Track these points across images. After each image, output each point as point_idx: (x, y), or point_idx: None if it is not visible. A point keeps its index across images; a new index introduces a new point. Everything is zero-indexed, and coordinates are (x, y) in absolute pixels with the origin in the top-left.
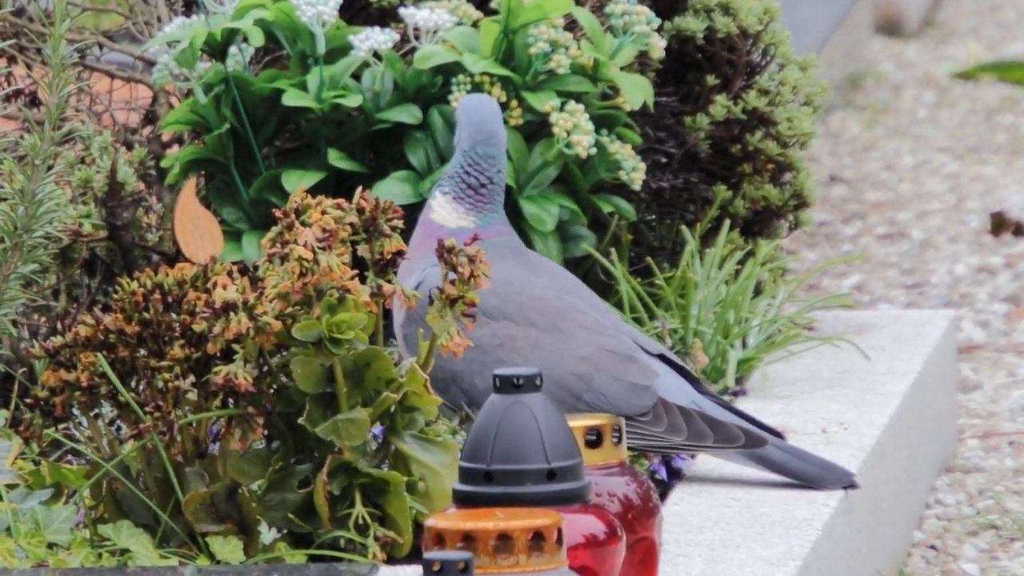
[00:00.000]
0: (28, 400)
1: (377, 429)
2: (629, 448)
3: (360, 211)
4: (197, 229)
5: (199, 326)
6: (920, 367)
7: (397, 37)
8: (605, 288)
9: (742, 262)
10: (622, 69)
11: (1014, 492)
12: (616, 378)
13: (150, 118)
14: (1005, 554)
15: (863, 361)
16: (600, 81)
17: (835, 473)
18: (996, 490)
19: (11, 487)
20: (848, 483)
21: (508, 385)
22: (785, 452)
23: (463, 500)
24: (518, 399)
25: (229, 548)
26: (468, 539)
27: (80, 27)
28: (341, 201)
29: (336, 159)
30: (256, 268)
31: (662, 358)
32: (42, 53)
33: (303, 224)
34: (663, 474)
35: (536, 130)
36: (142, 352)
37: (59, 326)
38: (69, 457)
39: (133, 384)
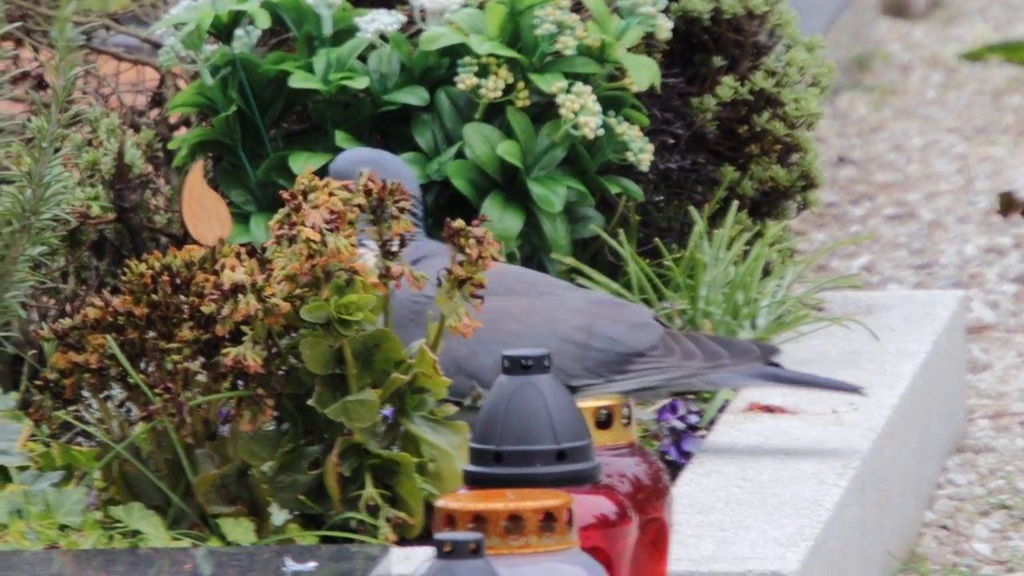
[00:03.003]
0: (38, 382)
1: (387, 410)
2: (651, 388)
3: (367, 193)
4: (205, 211)
5: (208, 308)
6: (929, 347)
7: (403, 19)
8: (614, 269)
9: (750, 243)
10: (629, 50)
11: None
12: (616, 320)
13: (157, 100)
14: (1017, 534)
15: (872, 341)
16: (607, 62)
17: (844, 383)
18: (1007, 470)
19: (22, 469)
20: (856, 389)
21: (517, 366)
22: (793, 371)
23: (473, 481)
24: (527, 380)
25: (240, 530)
26: (479, 520)
27: (87, 9)
28: (348, 183)
29: (343, 141)
30: (264, 250)
31: None
32: (48, 35)
33: (311, 206)
34: (674, 454)
35: (543, 111)
36: (151, 334)
37: (68, 308)
38: (79, 439)
39: (142, 366)
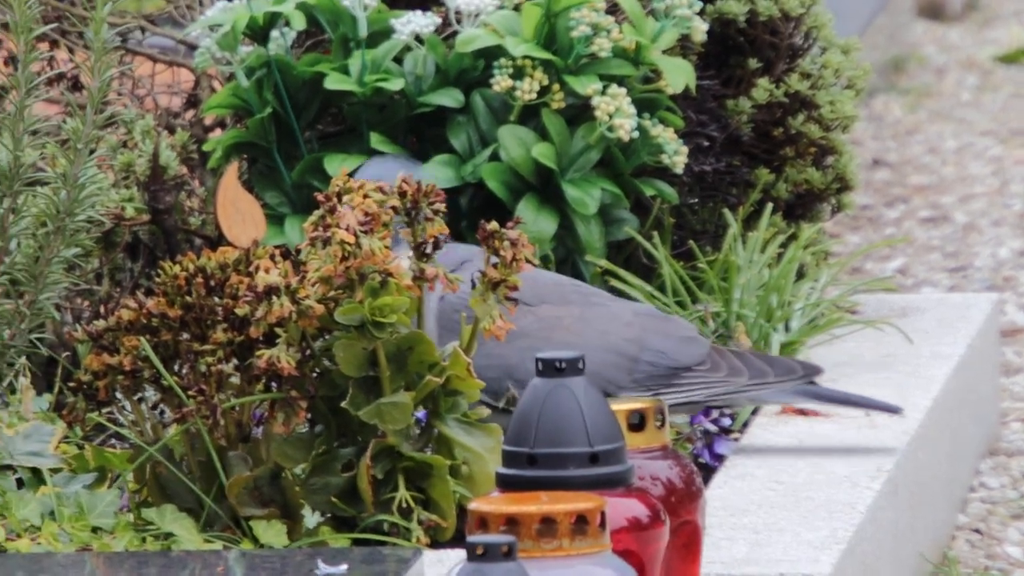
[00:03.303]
0: (71, 384)
1: (420, 413)
2: (696, 402)
3: (402, 195)
4: (239, 213)
5: (242, 310)
6: (963, 350)
7: (439, 21)
8: (647, 271)
9: (785, 245)
10: (664, 52)
11: None
12: (666, 334)
13: (192, 102)
14: None
15: (906, 344)
16: (642, 64)
17: (884, 403)
18: None
19: (55, 471)
20: (896, 409)
21: (551, 369)
22: (832, 389)
23: (506, 484)
24: (561, 382)
25: (273, 532)
26: (511, 523)
27: (122, 11)
28: (383, 185)
29: (378, 143)
30: (298, 252)
31: None
32: (84, 37)
33: (345, 207)
34: (706, 457)
35: (578, 113)
36: (185, 336)
37: (102, 310)
38: (112, 441)
39: (176, 368)
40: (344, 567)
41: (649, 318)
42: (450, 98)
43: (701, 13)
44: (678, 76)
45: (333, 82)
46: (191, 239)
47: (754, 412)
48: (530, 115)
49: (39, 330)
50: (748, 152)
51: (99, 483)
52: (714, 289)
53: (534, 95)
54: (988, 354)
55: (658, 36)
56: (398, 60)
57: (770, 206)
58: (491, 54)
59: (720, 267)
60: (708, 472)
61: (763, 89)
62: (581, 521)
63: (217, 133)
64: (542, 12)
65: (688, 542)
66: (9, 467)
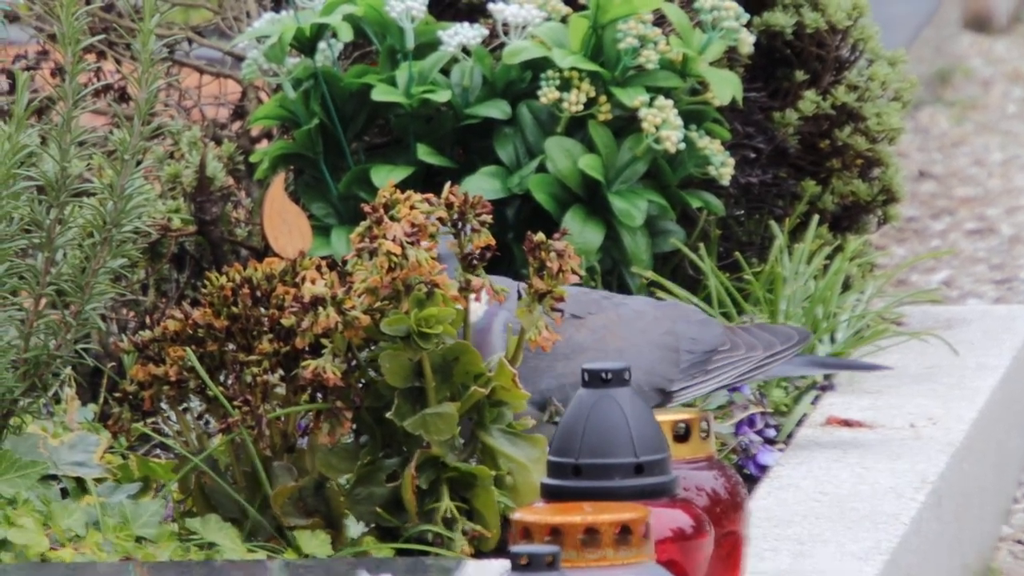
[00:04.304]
0: (116, 394)
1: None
2: (728, 385)
3: (449, 206)
4: (286, 224)
5: (287, 320)
6: (1009, 362)
7: (486, 32)
8: (694, 283)
9: (830, 257)
10: (711, 64)
11: None
12: (688, 321)
13: (239, 113)
14: None
15: (951, 356)
16: (689, 76)
17: (867, 363)
18: None
19: (99, 481)
20: (876, 367)
21: (596, 379)
22: (830, 357)
23: (551, 494)
24: (606, 393)
25: (317, 542)
26: (555, 533)
27: (169, 23)
28: (430, 196)
29: (425, 154)
30: (345, 263)
31: None
32: (131, 48)
33: (392, 219)
34: (751, 468)
35: (625, 125)
36: (230, 346)
37: (147, 320)
38: (157, 451)
39: (221, 378)
40: None
41: (666, 308)
42: (497, 110)
43: (748, 25)
44: (725, 88)
45: (380, 93)
46: (237, 250)
47: (799, 423)
48: (577, 127)
49: (85, 340)
50: (794, 164)
51: (143, 493)
52: (760, 301)
53: (581, 107)
54: None
55: (705, 48)
56: (445, 72)
57: (816, 218)
58: (538, 66)
59: (766, 279)
60: (752, 483)
61: (810, 101)
62: (625, 531)
63: (264, 144)
64: (589, 24)
65: (731, 552)
66: (54, 477)
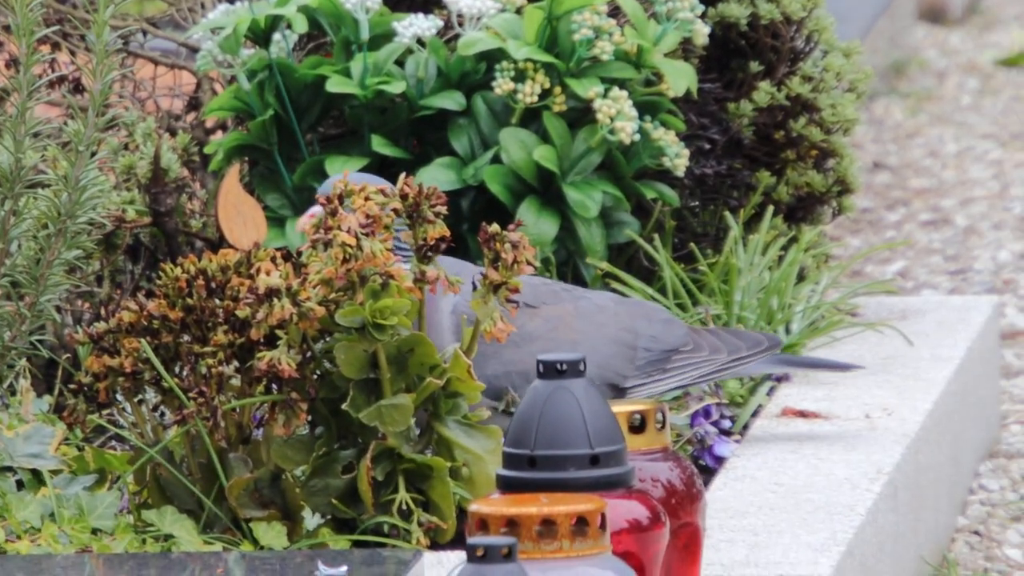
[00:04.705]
0: (72, 386)
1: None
2: (688, 385)
3: (404, 197)
4: (240, 215)
5: (242, 312)
6: (963, 353)
7: (441, 24)
8: (648, 274)
9: (785, 248)
10: (666, 55)
11: None
12: (649, 319)
13: (194, 105)
14: None
15: (906, 347)
16: (643, 67)
17: (840, 363)
18: None
19: (55, 473)
20: (848, 367)
21: (552, 371)
22: (800, 356)
23: (507, 485)
24: (561, 384)
25: (273, 534)
26: (512, 524)
27: (124, 14)
28: (385, 187)
29: (380, 145)
30: (299, 254)
31: None
32: (86, 40)
33: (346, 210)
34: (707, 459)
35: (579, 116)
36: (185, 338)
37: (103, 312)
38: (113, 443)
39: (177, 370)
40: (344, 569)
41: (628, 304)
42: (452, 101)
43: (703, 16)
44: (680, 79)
45: (335, 85)
46: (192, 241)
47: (754, 414)
48: (531, 118)
49: (40, 332)
50: (749, 155)
51: (99, 485)
52: (715, 291)
53: (535, 98)
54: (988, 357)
55: (660, 39)
56: (400, 63)
57: (771, 209)
58: (493, 57)
59: (721, 270)
60: (708, 474)
61: (764, 92)
62: (581, 523)
63: (219, 136)
64: (544, 15)
65: (688, 544)
66: (9, 469)
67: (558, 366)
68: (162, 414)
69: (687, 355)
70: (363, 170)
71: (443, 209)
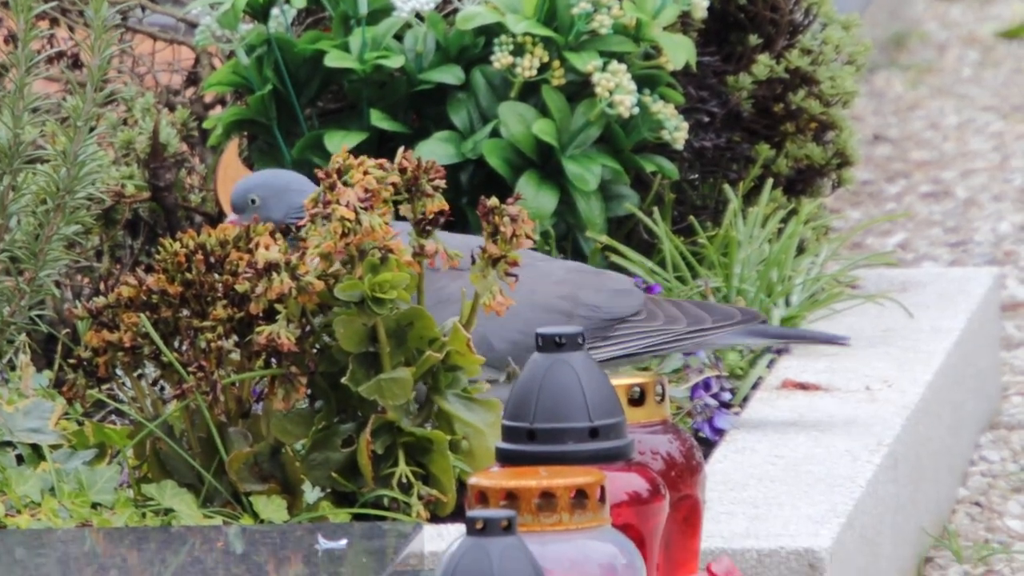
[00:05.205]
0: (71, 361)
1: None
2: (635, 354)
3: (402, 171)
4: None
5: (242, 286)
6: (964, 325)
7: None
8: (648, 247)
9: (785, 220)
10: (664, 29)
11: None
12: (598, 289)
13: (192, 80)
14: None
15: (906, 319)
16: (642, 41)
17: (829, 335)
18: None
19: (55, 447)
20: (841, 341)
21: (551, 343)
22: (779, 327)
23: (506, 458)
24: (560, 357)
25: (273, 507)
26: (511, 497)
27: None
28: (383, 161)
29: (378, 120)
30: (299, 228)
31: None
32: (84, 15)
33: (345, 184)
34: (707, 431)
35: (578, 90)
36: (185, 312)
37: (102, 287)
38: (112, 417)
39: (176, 344)
40: (344, 542)
41: (581, 273)
42: (450, 75)
43: None
44: (679, 52)
45: (333, 59)
46: (191, 216)
47: (755, 387)
48: (530, 92)
49: (39, 307)
50: (748, 128)
51: (99, 459)
52: (714, 264)
53: (534, 72)
54: (988, 328)
55: (659, 12)
56: (398, 37)
57: (770, 181)
58: (492, 31)
59: (720, 242)
60: (708, 446)
61: (763, 65)
62: (581, 495)
63: (217, 111)
64: None
65: (688, 516)
66: (9, 443)
67: (556, 339)
68: (162, 388)
69: (635, 323)
70: (362, 144)
71: (442, 183)
